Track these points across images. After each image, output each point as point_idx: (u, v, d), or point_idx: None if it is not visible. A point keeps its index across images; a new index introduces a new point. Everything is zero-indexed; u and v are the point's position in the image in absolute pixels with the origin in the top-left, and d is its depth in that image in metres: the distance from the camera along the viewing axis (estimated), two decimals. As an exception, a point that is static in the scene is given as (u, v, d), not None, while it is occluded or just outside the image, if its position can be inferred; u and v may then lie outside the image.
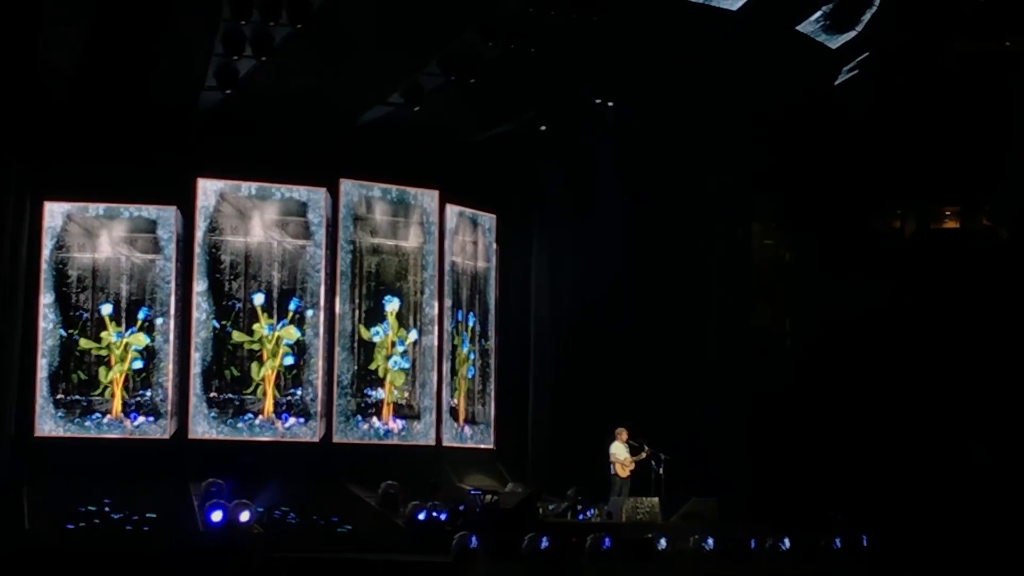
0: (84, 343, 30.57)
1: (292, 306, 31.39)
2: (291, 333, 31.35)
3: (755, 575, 26.83)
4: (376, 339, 32.24)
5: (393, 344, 32.50)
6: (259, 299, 31.20)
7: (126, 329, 30.70)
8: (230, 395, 30.96)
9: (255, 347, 31.11)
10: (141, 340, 30.74)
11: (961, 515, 31.92)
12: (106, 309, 30.68)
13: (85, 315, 30.63)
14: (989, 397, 33.35)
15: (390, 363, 32.40)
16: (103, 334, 30.63)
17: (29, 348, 30.19)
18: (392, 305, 32.52)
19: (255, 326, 31.14)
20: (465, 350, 34.17)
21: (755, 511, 30.49)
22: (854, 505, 31.33)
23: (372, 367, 32.13)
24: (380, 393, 32.21)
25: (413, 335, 32.72)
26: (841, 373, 35.30)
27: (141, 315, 30.78)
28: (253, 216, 31.41)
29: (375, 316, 32.26)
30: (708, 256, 35.41)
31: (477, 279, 34.73)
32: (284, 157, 30.96)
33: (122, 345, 30.66)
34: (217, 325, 30.95)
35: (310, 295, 31.57)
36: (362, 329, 32.09)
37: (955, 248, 37.87)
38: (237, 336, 31.04)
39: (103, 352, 30.62)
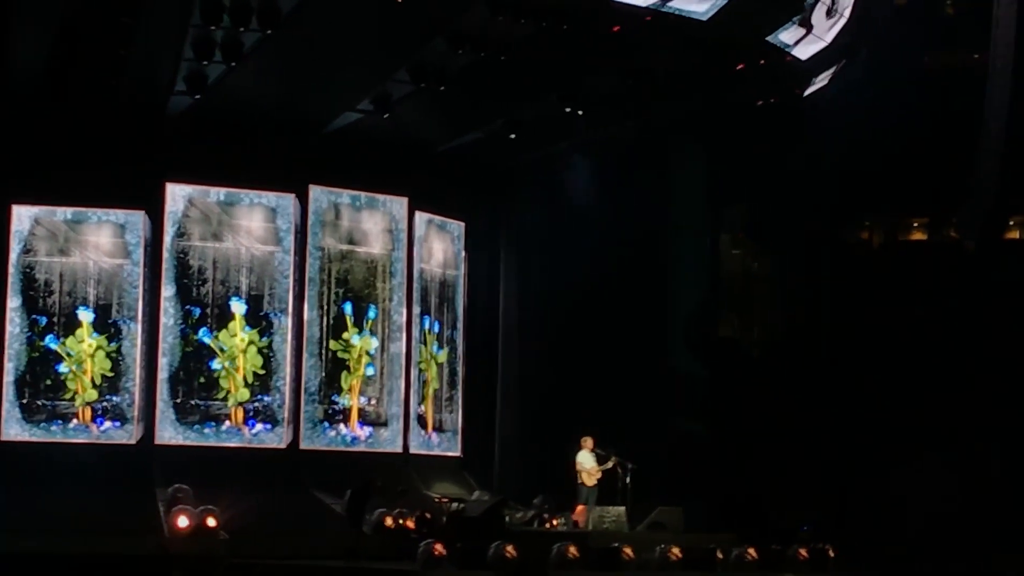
0: (51, 347, 30.47)
1: (260, 312, 31.34)
2: (259, 339, 31.30)
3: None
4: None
5: (367, 351, 32.54)
6: (228, 305, 31.12)
7: (93, 334, 30.60)
8: (197, 401, 30.89)
9: (223, 352, 31.04)
10: (108, 345, 30.66)
11: (928, 524, 31.99)
12: (75, 314, 30.57)
13: (52, 319, 30.51)
14: (954, 405, 33.43)
15: (368, 369, 32.45)
16: (70, 338, 30.52)
17: (-5, 352, 30.15)
18: (372, 312, 32.55)
19: (222, 332, 31.07)
20: (433, 357, 34.15)
21: (721, 520, 30.53)
22: (820, 515, 31.36)
23: (344, 374, 32.12)
24: (347, 400, 32.19)
25: (375, 342, 32.77)
26: (808, 383, 35.35)
27: (108, 320, 30.68)
28: (222, 221, 31.36)
29: (348, 323, 32.24)
30: (676, 266, 35.49)
31: (445, 286, 34.73)
32: (253, 162, 30.94)
33: (89, 350, 30.56)
34: (184, 330, 30.88)
35: (278, 301, 31.52)
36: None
37: (922, 259, 37.98)
38: (204, 342, 30.97)
39: (70, 356, 30.51)
